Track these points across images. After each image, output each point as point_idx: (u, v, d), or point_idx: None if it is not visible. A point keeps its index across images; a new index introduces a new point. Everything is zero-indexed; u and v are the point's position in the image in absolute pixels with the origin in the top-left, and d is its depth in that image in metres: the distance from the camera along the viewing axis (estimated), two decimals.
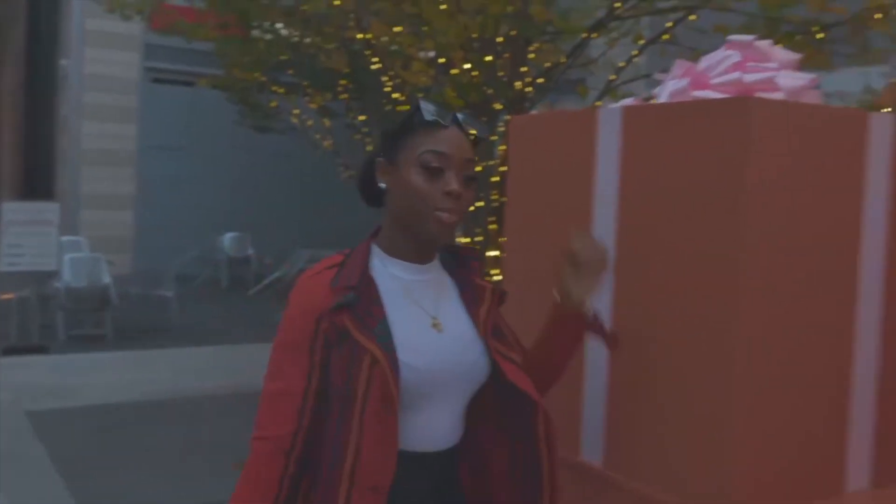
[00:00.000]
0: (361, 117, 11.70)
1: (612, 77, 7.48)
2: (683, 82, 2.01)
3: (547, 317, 1.67)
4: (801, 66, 2.00)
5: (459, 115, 1.58)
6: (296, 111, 11.98)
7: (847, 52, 6.91)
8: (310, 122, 12.31)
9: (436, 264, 1.66)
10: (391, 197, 1.59)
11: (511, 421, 1.62)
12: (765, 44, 2.02)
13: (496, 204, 6.13)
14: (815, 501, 1.81)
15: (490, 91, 6.83)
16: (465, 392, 1.60)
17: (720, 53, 2.02)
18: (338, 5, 7.89)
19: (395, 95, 8.34)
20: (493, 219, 6.14)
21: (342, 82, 10.04)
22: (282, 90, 10.67)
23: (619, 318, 1.86)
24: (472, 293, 1.65)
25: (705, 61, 2.04)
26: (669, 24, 7.39)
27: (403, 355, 1.50)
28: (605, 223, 1.90)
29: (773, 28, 6.74)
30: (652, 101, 2.13)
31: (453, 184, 1.53)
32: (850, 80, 7.36)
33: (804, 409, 1.80)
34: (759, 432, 1.72)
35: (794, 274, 1.75)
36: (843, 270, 1.83)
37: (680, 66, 2.08)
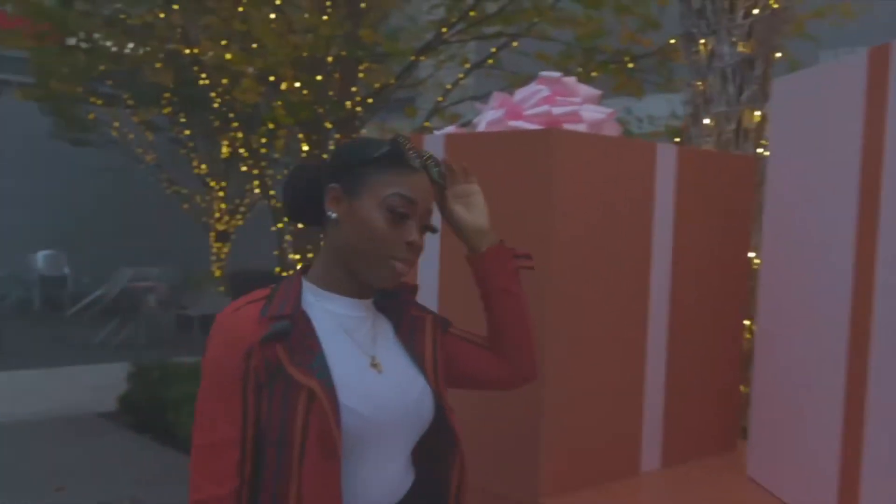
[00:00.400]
0: (187, 132, 11.46)
1: (440, 98, 7.79)
2: (500, 112, 2.22)
3: (475, 280, 1.57)
4: (615, 92, 2.26)
5: (431, 161, 1.47)
6: (115, 124, 11.57)
7: (655, 81, 7.54)
8: (131, 136, 11.92)
9: (370, 301, 1.49)
10: (341, 230, 1.41)
11: (432, 463, 1.50)
12: (571, 80, 2.26)
13: None
14: (616, 481, 2.05)
15: (320, 110, 6.94)
16: (411, 437, 1.45)
17: (532, 88, 2.24)
18: (163, 18, 7.75)
19: (224, 111, 8.26)
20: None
21: (166, 96, 9.83)
22: (100, 102, 10.30)
23: None
24: (410, 327, 1.50)
25: (519, 94, 2.26)
26: (494, 50, 7.78)
27: (344, 398, 1.34)
28: (431, 246, 2.07)
29: (589, 57, 7.26)
30: (471, 129, 2.33)
31: (415, 234, 1.39)
32: (658, 105, 8.02)
33: (605, 404, 2.04)
34: (564, 427, 1.94)
35: (594, 285, 1.98)
36: (636, 281, 2.08)
37: (497, 97, 2.29)
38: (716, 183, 2.26)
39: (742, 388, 2.37)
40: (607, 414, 2.05)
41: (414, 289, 1.56)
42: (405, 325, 1.50)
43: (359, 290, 1.44)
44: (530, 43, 7.44)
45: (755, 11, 2.86)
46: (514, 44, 7.64)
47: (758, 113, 2.88)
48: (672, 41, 6.59)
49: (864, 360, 1.69)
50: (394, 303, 1.52)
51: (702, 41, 2.99)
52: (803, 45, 7.35)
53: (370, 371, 1.40)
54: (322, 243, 1.46)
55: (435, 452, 1.48)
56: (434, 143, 2.12)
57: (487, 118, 2.24)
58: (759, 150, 2.89)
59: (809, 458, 1.86)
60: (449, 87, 7.81)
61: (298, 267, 1.53)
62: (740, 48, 2.88)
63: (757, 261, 2.40)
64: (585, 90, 2.25)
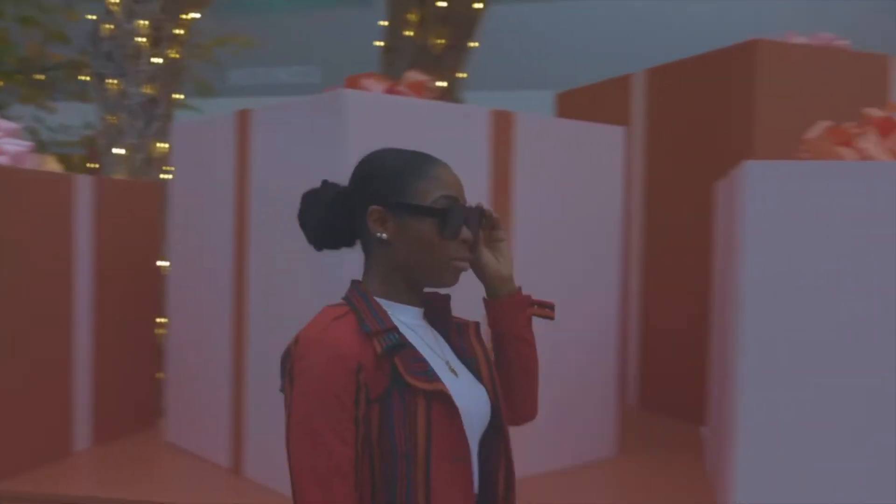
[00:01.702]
0: None
1: None
2: None
3: (489, 323, 1.54)
4: (22, 102, 2.60)
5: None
6: None
7: (68, 91, 7.61)
8: None
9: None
10: (394, 248, 1.39)
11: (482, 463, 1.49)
12: None
13: None
14: (47, 464, 2.40)
15: None
16: (477, 441, 1.44)
17: None
18: None
19: None
20: None
21: None
22: None
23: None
24: (457, 333, 1.50)
25: None
26: None
27: (459, 401, 1.35)
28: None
29: None
30: None
31: (466, 231, 1.40)
32: (72, 115, 8.06)
33: (33, 397, 2.38)
34: None
35: (18, 295, 2.31)
36: (59, 289, 2.45)
37: None
38: (129, 204, 2.73)
39: (159, 374, 2.87)
40: (36, 406, 2.38)
41: (447, 297, 1.53)
42: (453, 332, 1.50)
43: (417, 300, 1.44)
44: None
45: (158, 60, 3.39)
46: None
47: (163, 145, 3.40)
48: (82, 55, 6.80)
49: (244, 346, 2.32)
50: (433, 312, 1.50)
51: (112, 81, 3.42)
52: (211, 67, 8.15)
53: (450, 375, 1.40)
54: (370, 261, 1.44)
55: (484, 454, 1.46)
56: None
57: None
58: (164, 176, 3.42)
59: (211, 422, 2.45)
60: None
61: (352, 284, 1.46)
62: (146, 90, 3.39)
63: (166, 266, 2.92)
64: (5, 124, 2.52)
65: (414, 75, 2.55)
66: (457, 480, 1.33)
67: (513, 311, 1.52)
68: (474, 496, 1.35)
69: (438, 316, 1.50)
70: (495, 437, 1.45)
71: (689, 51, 3.23)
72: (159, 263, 2.88)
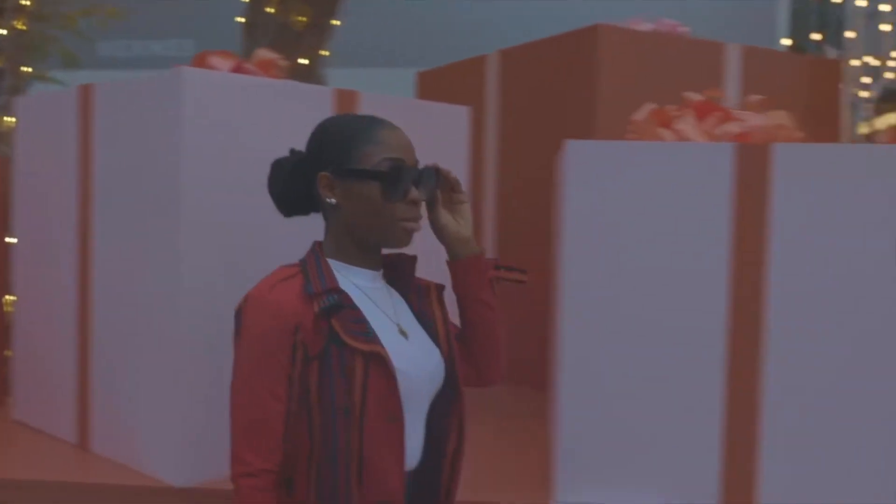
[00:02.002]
0: None
1: None
2: None
3: (452, 285, 1.56)
4: None
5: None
6: None
7: None
8: None
9: (381, 272, 1.53)
10: (343, 212, 1.43)
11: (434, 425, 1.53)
12: None
13: None
14: None
15: None
16: (427, 402, 1.49)
17: None
18: None
19: None
20: None
21: None
22: None
23: None
24: (417, 295, 1.54)
25: None
26: None
27: (398, 362, 1.39)
28: None
29: None
30: None
31: (413, 190, 1.41)
32: None
33: None
34: None
35: None
36: None
37: None
38: None
39: (7, 351, 2.83)
40: None
41: (413, 259, 1.57)
42: (413, 294, 1.53)
43: (372, 263, 1.48)
44: None
45: (2, 31, 3.28)
46: None
47: (10, 119, 3.31)
48: None
49: (89, 322, 2.32)
50: (397, 273, 1.54)
51: None
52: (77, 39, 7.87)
53: (399, 337, 1.44)
54: (326, 225, 1.48)
55: (437, 414, 1.50)
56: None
57: None
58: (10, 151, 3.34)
59: (58, 398, 2.44)
60: None
61: (312, 246, 1.48)
62: None
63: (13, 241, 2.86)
64: None
65: (263, 53, 2.57)
66: (389, 440, 1.37)
67: (472, 273, 1.53)
68: (403, 457, 1.39)
69: (401, 277, 1.54)
70: (449, 398, 1.49)
71: (553, 29, 3.35)
72: (7, 240, 2.83)
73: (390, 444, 1.38)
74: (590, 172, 1.97)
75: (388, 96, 2.46)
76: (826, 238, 1.93)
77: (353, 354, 1.35)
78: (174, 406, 2.06)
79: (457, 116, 2.60)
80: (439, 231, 1.52)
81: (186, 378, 2.04)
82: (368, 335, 1.37)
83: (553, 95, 3.15)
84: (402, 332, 1.45)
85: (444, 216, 1.51)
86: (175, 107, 2.01)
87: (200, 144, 2.04)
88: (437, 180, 1.49)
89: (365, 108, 2.33)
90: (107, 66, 10.86)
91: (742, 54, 3.25)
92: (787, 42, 16.10)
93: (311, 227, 1.56)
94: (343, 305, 1.37)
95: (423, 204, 1.47)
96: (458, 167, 2.60)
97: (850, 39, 9.13)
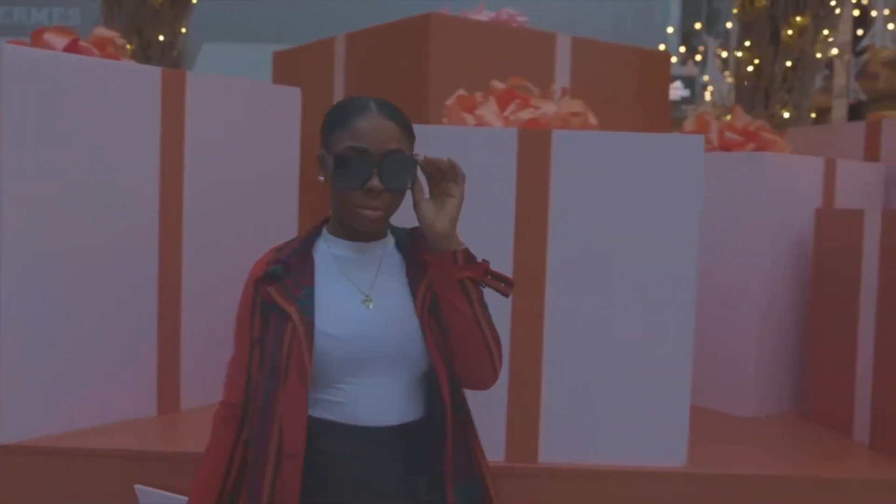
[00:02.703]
0: None
1: None
2: None
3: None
4: None
5: (375, 104, 1.51)
6: None
7: None
8: None
9: (383, 243, 1.60)
10: (328, 189, 1.55)
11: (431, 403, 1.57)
12: None
13: None
14: None
15: None
16: (404, 369, 1.53)
17: None
18: None
19: None
20: None
21: None
22: None
23: None
24: (416, 268, 1.58)
25: None
26: None
27: (322, 324, 1.50)
28: None
29: None
30: None
31: (372, 180, 1.47)
32: None
33: None
34: None
35: None
36: None
37: None
38: None
39: None
40: None
41: (419, 231, 1.58)
42: (412, 267, 1.58)
43: (356, 235, 1.57)
44: None
45: None
46: None
47: None
48: None
49: None
50: (412, 245, 1.61)
51: None
52: None
53: (360, 306, 1.53)
54: None
55: (427, 377, 1.56)
56: None
57: None
58: None
59: None
60: None
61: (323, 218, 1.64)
62: None
63: None
64: None
65: (101, 31, 2.68)
66: (297, 400, 1.47)
67: (440, 271, 1.52)
68: (306, 415, 1.47)
69: (411, 251, 1.60)
70: (429, 364, 1.53)
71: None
72: None
73: (297, 403, 1.47)
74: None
75: (221, 76, 2.60)
76: (596, 212, 2.17)
77: (286, 317, 1.50)
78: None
79: (289, 97, 2.75)
80: (419, 221, 1.54)
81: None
82: (298, 298, 1.51)
83: (392, 80, 3.33)
84: (367, 301, 1.53)
85: (425, 207, 1.52)
86: None
87: (20, 124, 2.13)
88: (415, 170, 1.51)
89: (192, 88, 2.46)
90: None
91: (572, 45, 3.49)
92: (671, 30, 16.76)
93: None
94: (278, 276, 1.53)
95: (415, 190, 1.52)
96: (290, 147, 2.76)
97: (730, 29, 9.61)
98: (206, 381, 2.58)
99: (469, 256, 1.53)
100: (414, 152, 1.53)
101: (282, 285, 1.52)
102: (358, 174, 1.47)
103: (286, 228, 2.73)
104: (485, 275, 1.54)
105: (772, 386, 2.78)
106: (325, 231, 1.61)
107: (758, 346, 2.71)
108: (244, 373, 1.57)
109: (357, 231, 1.55)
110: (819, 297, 2.71)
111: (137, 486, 2.09)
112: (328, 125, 1.55)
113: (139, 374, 2.42)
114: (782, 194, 2.73)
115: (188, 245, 2.49)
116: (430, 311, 1.54)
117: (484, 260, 1.55)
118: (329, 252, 1.58)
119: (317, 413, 1.51)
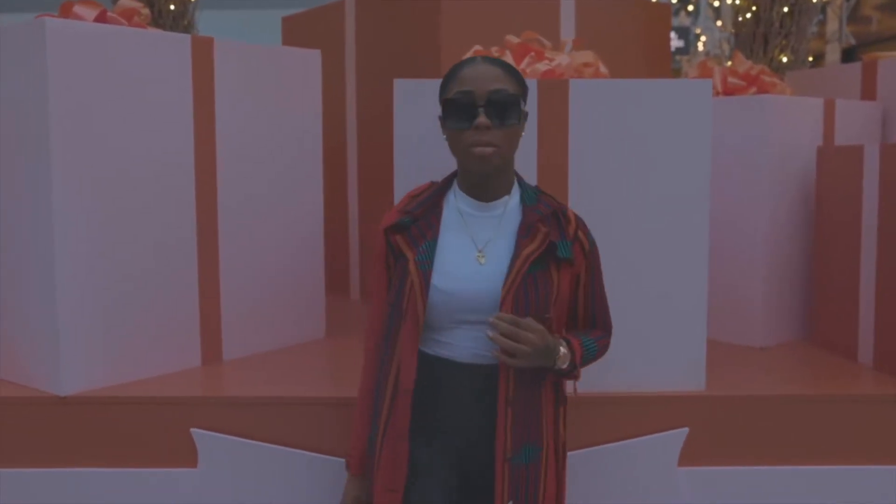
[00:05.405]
0: None
1: None
2: None
3: None
4: None
5: (481, 58, 1.64)
6: None
7: None
8: None
9: (506, 204, 1.69)
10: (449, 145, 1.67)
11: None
12: None
13: None
14: None
15: None
16: (477, 316, 1.66)
17: None
18: None
19: None
20: None
21: None
22: None
23: None
24: (526, 231, 1.66)
25: None
26: None
27: (437, 279, 1.64)
28: None
29: None
30: None
31: (480, 116, 1.57)
32: None
33: None
34: None
35: None
36: None
37: None
38: None
39: None
40: None
41: (549, 207, 1.70)
42: (523, 229, 1.66)
43: (480, 192, 1.68)
44: None
45: None
46: None
47: None
48: None
49: None
50: (532, 208, 1.69)
51: None
52: None
53: (473, 260, 1.65)
54: None
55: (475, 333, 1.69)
56: None
57: None
58: None
59: None
60: None
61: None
62: None
63: None
64: None
65: (126, 2, 2.76)
66: (411, 340, 1.65)
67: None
68: (416, 354, 1.65)
69: (528, 213, 1.68)
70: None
71: None
72: None
73: (411, 342, 1.65)
74: (415, 106, 2.27)
75: (243, 43, 2.70)
76: (612, 155, 2.30)
77: (406, 263, 1.66)
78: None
79: (310, 60, 2.86)
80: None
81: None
82: (420, 249, 1.65)
83: (403, 40, 3.43)
84: (481, 255, 1.65)
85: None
86: (39, 57, 2.19)
87: (67, 96, 2.23)
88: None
89: (219, 54, 2.57)
90: None
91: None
92: None
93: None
94: (406, 227, 1.68)
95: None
96: (312, 109, 2.87)
97: None
98: (246, 333, 2.73)
99: (560, 373, 1.69)
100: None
101: (408, 234, 1.68)
102: (466, 113, 1.58)
103: (311, 184, 2.87)
104: (575, 377, 1.74)
105: (780, 316, 2.93)
106: (455, 184, 1.73)
107: (765, 279, 2.86)
108: (381, 316, 1.76)
109: (478, 184, 1.67)
110: (823, 229, 2.85)
111: (193, 430, 2.24)
112: (443, 84, 1.67)
113: (184, 328, 2.56)
114: (785, 134, 2.85)
115: (223, 205, 2.61)
116: (532, 268, 1.64)
117: (578, 368, 1.71)
118: (455, 205, 1.70)
119: (429, 349, 1.69)
